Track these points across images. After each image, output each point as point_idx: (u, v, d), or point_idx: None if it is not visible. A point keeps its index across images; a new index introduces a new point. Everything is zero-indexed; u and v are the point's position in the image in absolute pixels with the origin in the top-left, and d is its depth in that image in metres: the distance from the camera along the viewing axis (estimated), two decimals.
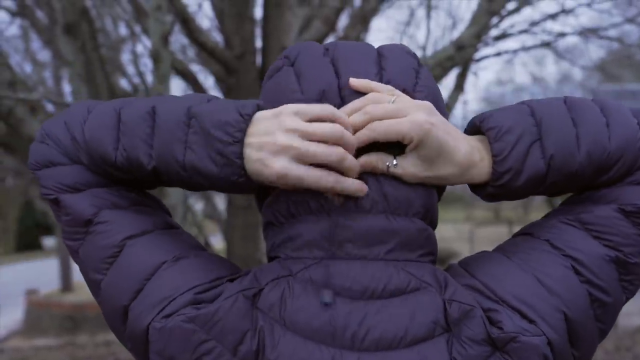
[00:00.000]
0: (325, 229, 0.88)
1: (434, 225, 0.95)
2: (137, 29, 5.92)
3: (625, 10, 6.27)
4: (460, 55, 4.30)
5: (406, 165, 0.88)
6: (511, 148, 0.87)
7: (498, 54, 5.33)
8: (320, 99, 0.89)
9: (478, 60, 5.35)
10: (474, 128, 0.94)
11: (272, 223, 0.94)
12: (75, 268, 13.01)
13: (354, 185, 0.85)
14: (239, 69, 4.12)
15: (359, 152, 0.88)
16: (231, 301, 0.84)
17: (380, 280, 0.85)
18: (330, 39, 5.34)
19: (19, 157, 4.08)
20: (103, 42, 5.49)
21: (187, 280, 0.87)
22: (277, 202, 0.92)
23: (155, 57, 3.06)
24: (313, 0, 3.93)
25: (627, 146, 0.88)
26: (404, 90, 0.91)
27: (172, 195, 3.28)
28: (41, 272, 18.19)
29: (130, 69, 6.96)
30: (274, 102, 0.91)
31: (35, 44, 8.47)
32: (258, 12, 4.41)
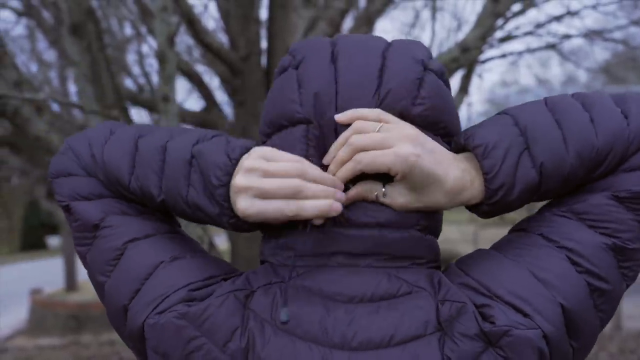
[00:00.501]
0: (318, 240, 0.89)
1: (435, 233, 0.94)
2: (143, 29, 5.93)
3: (631, 12, 6.26)
4: (465, 57, 4.30)
5: (395, 196, 0.88)
6: (501, 163, 0.86)
7: (503, 56, 5.33)
8: (315, 115, 0.90)
9: (483, 62, 5.35)
10: (459, 146, 0.93)
11: (268, 226, 0.95)
12: (80, 268, 13.04)
13: (320, 207, 0.83)
14: (244, 70, 4.13)
15: (352, 182, 0.89)
16: (222, 299, 0.85)
17: (370, 286, 0.86)
18: None
19: (25, 157, 4.10)
20: (109, 43, 5.49)
21: (181, 278, 0.89)
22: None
23: (161, 57, 3.07)
24: (318, 1, 3.93)
25: (615, 139, 0.87)
26: (401, 105, 0.90)
27: None
28: (46, 271, 18.22)
29: (136, 70, 6.98)
30: (275, 107, 0.94)
31: (41, 44, 8.50)
32: (263, 14, 4.43)
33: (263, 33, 4.26)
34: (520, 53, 5.45)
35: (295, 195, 0.83)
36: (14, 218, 27.67)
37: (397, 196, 0.88)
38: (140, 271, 0.90)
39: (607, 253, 0.86)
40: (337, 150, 0.88)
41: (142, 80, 6.67)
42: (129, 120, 4.15)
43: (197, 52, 6.90)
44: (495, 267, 0.88)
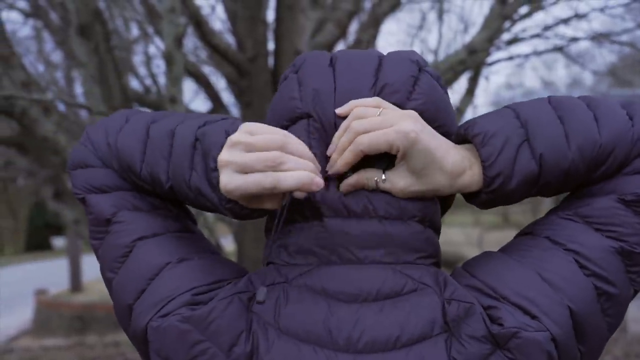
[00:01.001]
0: (319, 234, 0.88)
1: (435, 226, 0.93)
2: (150, 30, 5.94)
3: (638, 15, 6.25)
4: (472, 59, 4.30)
5: (395, 180, 0.87)
6: (499, 151, 0.86)
7: (510, 58, 5.32)
8: (313, 103, 0.91)
9: (490, 64, 5.35)
10: (459, 137, 0.93)
11: (269, 230, 0.95)
12: (84, 268, 13.07)
13: (300, 178, 0.80)
14: (251, 71, 4.13)
15: (354, 169, 0.88)
16: (226, 302, 0.84)
17: (374, 283, 0.85)
18: (342, 42, 5.35)
19: (32, 157, 4.11)
20: (116, 44, 5.50)
21: (187, 281, 0.88)
22: (273, 211, 0.93)
23: (168, 59, 3.07)
24: (326, 3, 3.93)
25: (618, 138, 0.86)
26: (396, 98, 0.90)
27: None
28: (51, 272, 18.26)
29: (143, 71, 6.99)
30: (277, 111, 0.95)
31: (48, 45, 8.51)
32: (271, 15, 4.42)
33: (270, 34, 4.26)
34: (527, 55, 5.44)
35: (274, 167, 0.80)
36: (20, 219, 27.74)
37: (397, 180, 0.87)
38: (146, 271, 0.90)
39: (614, 257, 0.85)
40: (339, 139, 0.88)
41: (148, 82, 6.68)
42: None
43: (203, 53, 6.90)
44: (500, 268, 0.87)
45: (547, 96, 0.94)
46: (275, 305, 0.85)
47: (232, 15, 4.75)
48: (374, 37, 5.32)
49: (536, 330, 0.79)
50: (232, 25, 4.85)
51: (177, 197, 0.94)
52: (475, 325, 0.81)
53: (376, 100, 0.89)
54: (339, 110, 0.89)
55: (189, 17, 3.77)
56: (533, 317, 0.81)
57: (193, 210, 3.36)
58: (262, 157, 0.81)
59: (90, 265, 14.27)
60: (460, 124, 0.95)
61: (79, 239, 12.83)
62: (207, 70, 6.44)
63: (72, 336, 10.46)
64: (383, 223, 0.88)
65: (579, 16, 4.94)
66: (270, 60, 4.21)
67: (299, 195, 0.83)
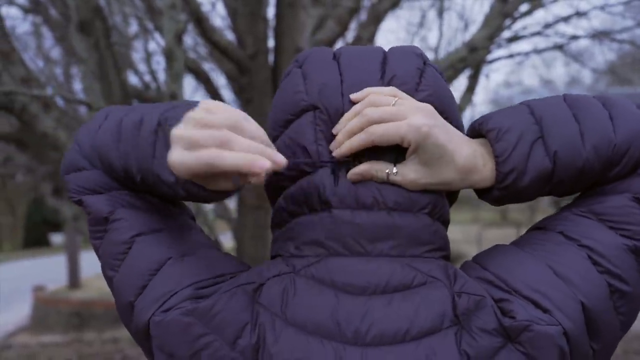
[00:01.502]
0: (327, 226, 0.87)
1: (443, 220, 0.93)
2: (150, 26, 5.93)
3: (638, 13, 6.24)
4: (473, 57, 4.30)
5: (406, 172, 0.87)
6: (513, 147, 0.85)
7: (510, 56, 5.32)
8: (319, 95, 0.90)
9: (490, 62, 5.35)
10: (473, 132, 0.93)
11: (277, 224, 0.95)
12: (82, 265, 13.06)
13: (241, 159, 0.74)
14: (251, 68, 4.13)
15: (357, 156, 0.88)
16: (229, 295, 0.83)
17: (383, 276, 0.84)
18: (341, 40, 5.34)
19: (31, 154, 4.10)
20: (116, 40, 5.50)
21: (189, 276, 0.87)
22: (280, 203, 0.93)
23: (168, 55, 3.07)
24: (327, 0, 3.93)
25: (633, 138, 0.85)
26: (404, 90, 0.90)
27: None
28: (49, 268, 18.26)
29: (142, 67, 6.97)
30: (281, 105, 0.94)
31: (47, 41, 8.50)
32: (271, 12, 4.41)
33: (271, 31, 4.25)
34: (527, 53, 5.44)
35: (221, 146, 0.76)
36: (18, 215, 27.74)
37: (408, 172, 0.86)
38: (147, 267, 0.89)
39: (628, 255, 0.84)
40: (348, 121, 0.87)
41: (148, 78, 6.66)
42: None
43: (203, 50, 6.89)
44: (512, 261, 0.87)
45: (562, 94, 0.93)
46: (282, 296, 0.84)
47: (232, 12, 4.75)
48: (373, 34, 5.31)
49: (548, 324, 0.78)
50: (232, 22, 4.85)
51: (150, 191, 0.92)
52: (486, 318, 0.80)
53: (392, 89, 0.89)
54: (353, 96, 0.88)
55: (189, 14, 3.76)
56: (545, 310, 0.80)
57: (192, 207, 3.36)
58: (210, 133, 0.76)
59: (89, 262, 14.25)
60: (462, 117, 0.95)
61: (77, 235, 12.84)
62: (207, 66, 6.44)
63: (70, 333, 10.46)
64: (392, 215, 0.87)
65: (579, 14, 4.95)
66: (271, 57, 4.21)
67: (255, 180, 0.77)
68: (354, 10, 4.12)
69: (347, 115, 0.88)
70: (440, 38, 5.49)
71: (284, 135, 0.93)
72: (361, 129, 0.86)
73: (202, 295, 0.85)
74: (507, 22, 4.71)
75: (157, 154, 0.84)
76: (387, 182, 0.87)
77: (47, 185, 4.04)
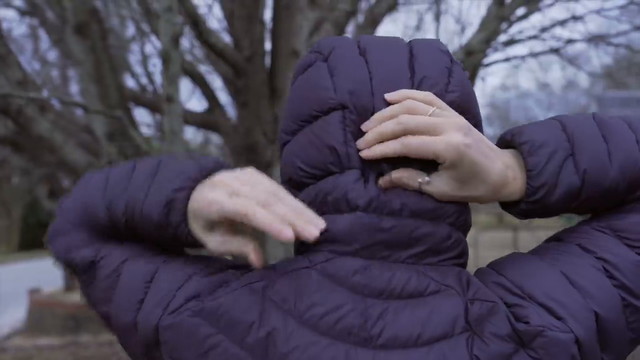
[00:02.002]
0: (352, 226, 0.86)
1: (465, 227, 0.92)
2: (146, 28, 5.93)
3: (633, 17, 6.26)
4: (469, 61, 4.30)
5: (438, 184, 0.86)
6: (545, 162, 0.85)
7: (507, 60, 5.33)
8: (350, 99, 0.88)
9: (487, 66, 5.35)
10: (504, 143, 0.92)
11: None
12: None
13: (274, 222, 0.78)
14: (247, 70, 4.13)
15: (387, 160, 0.87)
16: (237, 293, 0.83)
17: (398, 282, 0.83)
18: None
19: (27, 156, 4.09)
20: (112, 43, 5.49)
21: (187, 269, 0.88)
22: (302, 199, 0.91)
23: (165, 58, 3.06)
24: (324, 3, 3.93)
25: None
26: (435, 91, 0.88)
27: None
28: (44, 271, 18.15)
29: (139, 69, 6.98)
30: (304, 99, 0.92)
31: (44, 43, 8.49)
32: (268, 14, 4.42)
33: (267, 34, 4.26)
34: (523, 57, 5.46)
35: (262, 205, 0.80)
36: (13, 217, 27.67)
37: (440, 184, 0.86)
38: (141, 280, 0.88)
39: None
40: (380, 122, 0.86)
41: (145, 80, 6.67)
42: (131, 120, 4.15)
43: (200, 52, 6.90)
44: (529, 268, 0.87)
45: (591, 113, 0.94)
46: (295, 293, 0.83)
47: (229, 15, 4.75)
48: None
49: (562, 331, 0.78)
50: (228, 25, 4.85)
51: (134, 232, 0.93)
52: (499, 324, 0.79)
53: (428, 95, 0.87)
54: (388, 96, 0.87)
55: (185, 16, 3.76)
56: (559, 318, 0.80)
57: None
58: (253, 191, 0.81)
59: None
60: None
61: None
62: (204, 69, 6.44)
63: (66, 335, 10.43)
64: (417, 222, 0.86)
65: (575, 18, 4.96)
66: (267, 60, 4.21)
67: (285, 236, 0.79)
68: (351, 14, 4.12)
69: (380, 115, 0.87)
70: None
71: (307, 130, 0.91)
72: (394, 136, 0.84)
73: (205, 288, 0.85)
74: (504, 25, 4.72)
75: (154, 193, 0.86)
76: (416, 190, 0.87)
77: (42, 187, 4.03)
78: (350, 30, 5.76)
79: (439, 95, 0.89)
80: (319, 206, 0.89)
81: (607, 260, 0.85)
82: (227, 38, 5.18)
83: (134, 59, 7.39)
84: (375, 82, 0.88)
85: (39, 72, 7.93)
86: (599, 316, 0.81)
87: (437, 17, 5.88)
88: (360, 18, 5.77)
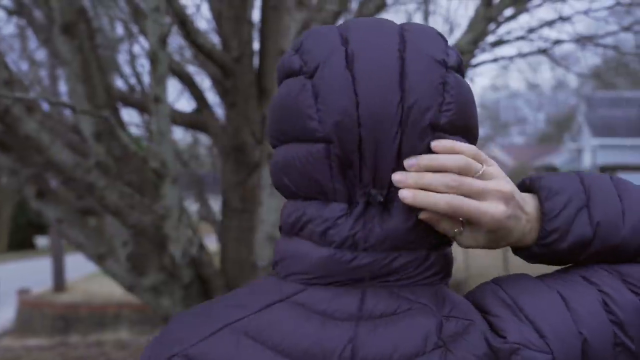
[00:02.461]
0: (326, 263, 0.85)
1: (449, 243, 0.91)
2: (134, 29, 5.92)
3: (622, 18, 6.29)
4: None
5: (468, 235, 0.89)
6: (561, 208, 0.88)
7: (495, 60, 5.34)
8: (335, 132, 0.84)
9: (475, 66, 5.36)
10: (523, 187, 0.95)
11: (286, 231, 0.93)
12: (68, 268, 12.99)
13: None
14: (235, 71, 4.13)
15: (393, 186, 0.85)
16: (219, 336, 0.84)
17: (369, 303, 0.84)
18: None
19: (15, 156, 4.07)
20: (100, 43, 5.48)
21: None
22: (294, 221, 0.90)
23: (152, 58, 3.06)
24: (311, 3, 3.92)
25: None
26: (429, 117, 0.84)
27: (168, 197, 3.27)
28: (34, 271, 18.11)
29: (127, 69, 6.96)
30: (286, 119, 0.88)
31: (31, 43, 8.45)
32: (256, 15, 4.42)
33: (255, 34, 4.26)
34: (511, 58, 5.47)
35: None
36: (3, 217, 27.55)
37: (468, 236, 0.89)
38: None
39: None
40: (426, 167, 0.84)
41: (133, 81, 6.65)
42: (119, 120, 4.14)
43: (188, 53, 6.88)
44: (527, 286, 0.88)
45: (608, 174, 0.97)
46: (270, 326, 0.83)
47: (217, 15, 4.74)
48: None
49: (539, 350, 0.79)
50: (217, 25, 4.84)
51: None
52: (475, 342, 0.80)
53: (474, 151, 0.87)
54: (435, 146, 0.85)
55: (173, 16, 3.76)
56: (542, 336, 0.80)
57: (176, 207, 3.34)
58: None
59: (74, 265, 14.18)
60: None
61: (62, 238, 12.77)
62: (192, 69, 6.43)
63: (55, 336, 10.40)
64: (395, 254, 0.85)
65: (563, 19, 4.97)
66: (255, 61, 4.21)
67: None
68: (338, 14, 4.12)
69: (428, 160, 0.84)
70: None
71: (293, 150, 0.88)
72: (439, 189, 0.83)
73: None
74: (492, 26, 4.72)
75: None
76: (389, 217, 0.85)
77: (30, 188, 4.01)
78: None
79: (434, 120, 0.84)
80: (301, 227, 0.88)
81: (609, 294, 0.86)
82: (215, 38, 5.18)
83: (122, 59, 7.36)
84: (362, 109, 0.83)
85: (27, 72, 7.90)
86: (587, 342, 0.81)
87: (426, 17, 5.88)
88: (349, 17, 5.77)
